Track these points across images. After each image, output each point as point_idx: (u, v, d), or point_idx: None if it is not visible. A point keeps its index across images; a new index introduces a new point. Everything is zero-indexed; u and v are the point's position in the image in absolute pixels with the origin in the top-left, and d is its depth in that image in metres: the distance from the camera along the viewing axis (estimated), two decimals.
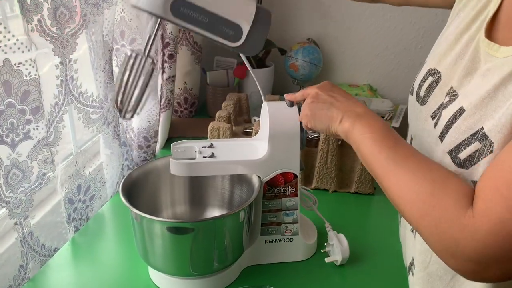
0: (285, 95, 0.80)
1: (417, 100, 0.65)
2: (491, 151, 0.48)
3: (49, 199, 0.93)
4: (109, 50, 0.98)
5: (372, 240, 0.94)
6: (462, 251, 0.45)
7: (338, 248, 0.83)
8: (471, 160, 0.50)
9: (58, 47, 0.82)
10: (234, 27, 0.68)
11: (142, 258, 0.78)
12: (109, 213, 1.02)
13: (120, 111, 0.68)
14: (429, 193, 0.49)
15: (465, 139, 0.51)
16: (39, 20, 0.77)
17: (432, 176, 0.50)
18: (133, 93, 0.68)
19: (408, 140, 0.69)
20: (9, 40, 0.70)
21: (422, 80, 0.65)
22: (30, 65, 0.73)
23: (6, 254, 0.78)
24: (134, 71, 0.66)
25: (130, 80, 0.67)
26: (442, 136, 0.55)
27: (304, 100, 0.74)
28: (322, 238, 0.89)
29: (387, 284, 0.81)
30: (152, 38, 0.68)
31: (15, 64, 0.71)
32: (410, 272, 0.67)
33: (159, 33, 1.16)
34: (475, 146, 0.50)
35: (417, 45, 1.60)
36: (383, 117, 1.51)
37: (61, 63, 0.84)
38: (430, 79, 0.63)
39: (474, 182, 0.50)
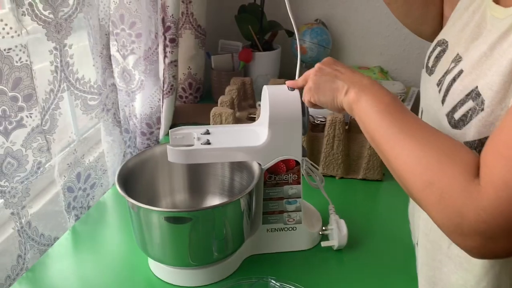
0: (286, 82, 0.76)
1: (426, 71, 0.64)
2: (482, 109, 0.47)
3: (49, 189, 0.92)
4: (106, 35, 0.95)
5: (378, 227, 0.91)
6: (467, 222, 0.42)
7: (336, 233, 0.81)
8: (464, 120, 0.50)
9: (52, 32, 0.80)
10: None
11: (140, 248, 0.76)
12: (111, 201, 1.01)
13: None
14: (435, 159, 0.47)
15: (460, 100, 0.51)
16: (30, 4, 0.74)
17: (439, 144, 0.48)
18: None
19: (419, 113, 0.68)
20: None
21: (431, 51, 0.65)
22: (20, 50, 0.71)
23: (4, 244, 0.77)
24: None
25: None
26: (443, 100, 0.54)
27: (304, 82, 0.72)
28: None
29: (391, 270, 0.78)
30: None
31: (4, 50, 0.69)
32: (417, 245, 0.67)
33: (160, 16, 1.13)
34: (468, 105, 0.49)
35: None
36: None
37: (55, 48, 0.81)
38: (438, 49, 0.63)
39: (466, 143, 0.49)
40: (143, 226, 0.73)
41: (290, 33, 1.58)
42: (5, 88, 0.70)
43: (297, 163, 0.78)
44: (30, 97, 0.75)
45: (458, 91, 0.51)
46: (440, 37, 0.64)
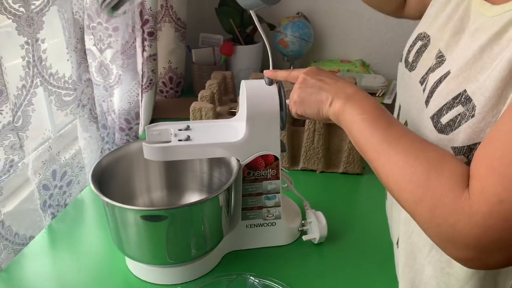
0: (264, 71, 0.75)
1: (406, 66, 0.63)
2: (473, 115, 0.46)
3: (24, 187, 0.90)
4: (80, 29, 0.93)
5: (358, 220, 0.91)
6: (460, 237, 0.42)
7: (316, 226, 0.81)
8: (452, 125, 0.48)
9: (23, 26, 0.77)
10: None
11: (117, 247, 0.75)
12: (89, 198, 0.99)
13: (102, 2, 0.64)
14: (424, 175, 0.45)
15: (447, 103, 0.49)
16: None
17: (426, 156, 0.47)
18: None
19: (396, 109, 0.67)
20: None
21: (411, 45, 0.63)
22: None
23: None
24: None
25: None
26: (427, 101, 0.53)
27: (285, 79, 0.71)
28: None
29: (372, 263, 0.78)
30: None
31: None
32: (397, 245, 0.66)
33: (138, 9, 1.11)
34: (457, 110, 0.48)
35: None
36: (375, 94, 1.47)
37: (27, 42, 0.79)
38: (419, 43, 0.61)
39: (454, 148, 0.49)
40: (119, 225, 0.71)
41: (272, 27, 1.56)
42: None
43: (276, 158, 0.77)
44: (0, 94, 0.72)
45: (444, 94, 0.50)
46: (421, 29, 0.62)
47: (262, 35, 0.75)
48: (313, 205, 0.86)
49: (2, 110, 0.73)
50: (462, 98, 0.47)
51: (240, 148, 0.75)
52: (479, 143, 0.46)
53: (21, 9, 0.76)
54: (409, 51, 0.63)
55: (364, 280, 0.75)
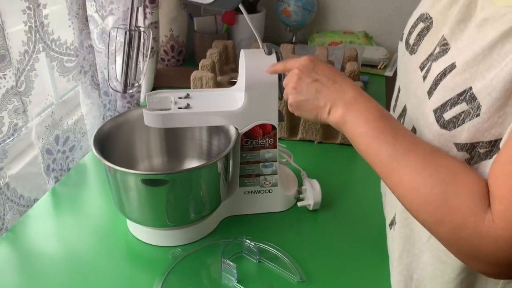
0: (266, 70, 0.73)
1: (406, 48, 0.60)
2: (478, 115, 0.45)
3: (28, 151, 0.92)
4: None
5: (353, 190, 0.94)
6: (484, 257, 0.42)
7: (310, 192, 0.83)
8: (455, 122, 0.47)
9: None
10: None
11: (118, 210, 0.78)
12: (91, 163, 1.01)
13: (125, 87, 0.68)
14: (441, 196, 0.44)
15: (451, 98, 0.47)
16: None
17: (440, 175, 0.46)
18: (130, 66, 0.67)
19: (395, 91, 0.66)
20: None
21: (412, 26, 0.60)
22: None
23: None
24: (126, 48, 0.65)
25: (125, 57, 0.66)
26: (430, 93, 0.51)
27: (283, 72, 0.69)
28: None
29: (364, 231, 0.81)
30: (131, 11, 0.64)
31: None
32: (392, 227, 0.66)
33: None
34: (461, 107, 0.46)
35: None
36: (376, 66, 1.47)
37: (29, 7, 0.79)
38: (421, 25, 0.58)
39: (456, 145, 0.48)
40: (121, 189, 0.74)
41: None
42: None
43: (273, 127, 0.78)
44: (3, 58, 0.73)
45: (448, 89, 0.48)
46: (422, 10, 0.59)
47: (247, 19, 0.75)
48: (310, 174, 0.89)
49: (6, 75, 0.75)
50: (467, 96, 0.45)
51: (239, 117, 0.76)
52: (483, 142, 0.46)
53: None
54: (410, 33, 0.60)
55: (356, 247, 0.78)
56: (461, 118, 0.46)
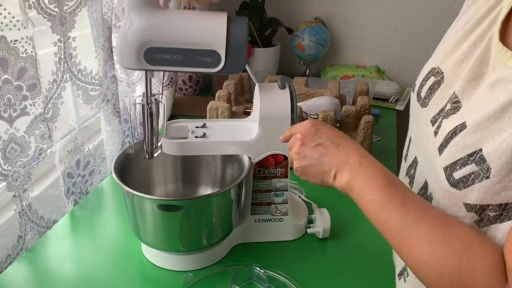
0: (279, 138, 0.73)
1: (418, 100, 0.60)
2: (488, 177, 0.44)
3: (50, 174, 0.96)
4: (108, 28, 0.99)
5: (363, 220, 0.93)
6: None
7: (320, 220, 0.85)
8: (465, 182, 0.47)
9: (57, 25, 0.84)
10: (210, 53, 0.66)
11: (134, 233, 0.81)
12: (109, 188, 1.05)
13: (151, 153, 0.77)
14: (456, 271, 0.44)
15: (461, 158, 0.47)
16: None
17: (454, 246, 0.45)
18: (153, 135, 0.75)
19: (407, 140, 0.66)
20: (5, 17, 0.71)
21: (424, 79, 0.60)
22: (26, 42, 0.75)
23: (5, 225, 0.82)
24: (146, 119, 0.74)
25: (147, 128, 0.74)
26: (441, 149, 0.51)
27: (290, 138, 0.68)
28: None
29: (373, 262, 0.82)
30: (146, 84, 0.71)
31: (11, 41, 0.73)
32: (402, 277, 0.65)
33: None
34: (471, 168, 0.46)
35: (427, 26, 1.57)
36: (388, 100, 1.50)
37: (60, 40, 0.85)
38: (432, 79, 0.58)
39: (466, 205, 0.47)
40: (137, 213, 0.77)
41: (290, 30, 1.61)
42: (10, 78, 0.74)
43: (285, 157, 0.81)
44: (34, 87, 0.79)
45: (459, 148, 0.47)
46: (434, 64, 0.58)
47: (252, 78, 0.79)
48: (320, 204, 0.91)
49: (35, 102, 0.80)
50: (477, 157, 0.45)
51: (252, 147, 0.80)
52: (492, 205, 0.45)
53: (56, 9, 0.82)
54: (421, 85, 0.60)
55: (363, 278, 0.79)
56: (470, 178, 0.46)
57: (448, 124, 0.51)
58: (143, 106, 0.72)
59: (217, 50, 0.66)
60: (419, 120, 0.59)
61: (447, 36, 0.61)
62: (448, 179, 0.49)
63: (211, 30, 0.66)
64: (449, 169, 0.49)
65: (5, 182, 0.78)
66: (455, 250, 0.45)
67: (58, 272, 0.80)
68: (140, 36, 0.65)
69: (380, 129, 1.33)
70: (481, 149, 0.45)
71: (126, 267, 0.81)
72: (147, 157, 0.76)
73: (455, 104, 0.52)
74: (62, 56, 0.87)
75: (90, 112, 1.11)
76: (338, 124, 1.10)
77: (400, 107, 1.48)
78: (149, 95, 0.72)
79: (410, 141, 0.64)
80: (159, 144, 0.79)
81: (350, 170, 0.55)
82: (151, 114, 0.73)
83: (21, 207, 0.82)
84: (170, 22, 0.66)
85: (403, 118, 1.40)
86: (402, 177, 0.66)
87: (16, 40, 0.73)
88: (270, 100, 0.78)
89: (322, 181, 0.60)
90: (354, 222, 0.94)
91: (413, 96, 0.62)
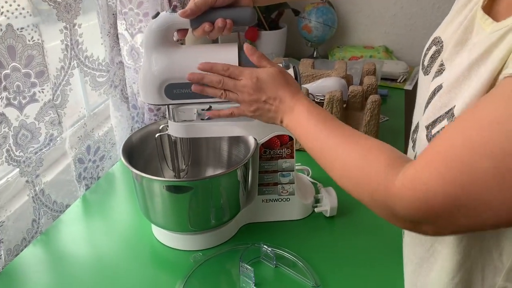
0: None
1: (421, 69, 0.64)
2: None
3: (61, 160, 0.98)
4: (113, 14, 1.00)
5: None
6: (398, 215, 0.48)
7: (327, 199, 0.86)
8: None
9: (62, 12, 0.85)
10: None
11: (144, 215, 0.82)
12: (120, 172, 1.07)
13: (179, 174, 0.86)
14: (359, 168, 0.53)
15: (440, 116, 0.51)
16: None
17: (358, 150, 0.54)
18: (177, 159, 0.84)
19: (415, 110, 0.68)
20: (10, 5, 0.72)
21: (427, 48, 0.63)
22: (32, 30, 0.76)
23: (19, 210, 0.84)
24: (173, 148, 0.83)
25: (174, 153, 0.84)
26: (424, 111, 0.55)
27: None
28: None
29: (380, 238, 0.82)
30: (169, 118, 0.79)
31: (17, 29, 0.74)
32: (403, 234, 0.69)
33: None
34: (443, 123, 0.50)
35: (434, 4, 1.55)
36: (396, 80, 1.49)
37: (65, 27, 0.86)
38: (433, 48, 0.61)
39: None
40: (146, 195, 0.78)
41: (297, 12, 1.60)
42: (18, 65, 0.75)
43: (291, 138, 0.82)
44: (42, 74, 0.80)
45: (437, 107, 0.51)
46: (437, 33, 0.62)
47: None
48: (326, 183, 0.91)
49: (44, 89, 0.81)
50: (450, 114, 0.49)
51: (257, 128, 0.80)
52: None
53: None
54: (425, 54, 0.63)
55: (371, 254, 0.80)
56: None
57: (432, 86, 0.55)
58: (168, 135, 0.81)
59: None
60: (422, 87, 0.62)
61: (452, 8, 0.63)
62: (427, 136, 0.53)
63: (224, 57, 0.71)
64: (430, 127, 0.53)
65: (18, 168, 0.80)
66: (359, 152, 0.54)
67: (72, 254, 0.82)
68: (159, 75, 0.71)
69: (388, 109, 1.32)
70: (454, 106, 0.49)
71: (137, 248, 0.83)
72: (175, 175, 0.86)
73: (440, 67, 0.55)
74: (69, 43, 0.88)
75: (100, 99, 1.13)
76: (345, 105, 1.10)
77: (408, 86, 1.47)
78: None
79: (415, 108, 0.67)
80: (184, 166, 0.87)
81: (286, 117, 0.67)
82: (175, 142, 0.82)
83: (34, 192, 0.84)
84: (186, 59, 0.72)
85: (411, 98, 1.39)
86: (409, 141, 0.69)
87: (22, 28, 0.75)
88: None
89: (272, 123, 0.71)
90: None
91: (420, 66, 0.66)
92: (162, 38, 0.71)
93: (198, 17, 0.68)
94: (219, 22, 0.68)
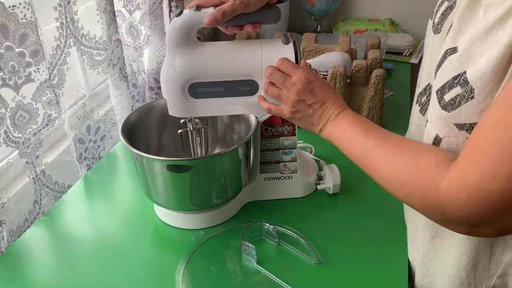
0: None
1: (432, 27, 0.62)
2: (472, 97, 0.48)
3: (62, 140, 0.98)
4: None
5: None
6: (451, 218, 0.48)
7: (329, 176, 0.85)
8: (452, 104, 0.50)
9: None
10: (248, 83, 0.73)
11: (145, 195, 0.82)
12: (121, 152, 1.06)
13: None
14: (406, 175, 0.52)
15: (448, 81, 0.50)
16: None
17: (403, 157, 0.53)
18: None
19: (420, 70, 0.67)
20: None
21: (439, 4, 0.62)
22: (24, 7, 0.74)
23: (20, 191, 0.84)
24: (192, 143, 0.84)
25: (194, 149, 0.84)
26: (435, 74, 0.54)
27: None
28: None
29: (384, 215, 0.82)
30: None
31: (9, 7, 0.72)
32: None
33: None
34: (456, 90, 0.49)
35: None
36: (402, 53, 1.46)
37: (60, 4, 0.84)
38: (445, 4, 0.59)
39: (457, 125, 0.51)
40: (147, 175, 0.78)
41: None
42: (12, 44, 0.74)
43: None
44: (37, 53, 0.79)
45: (446, 71, 0.51)
46: None
47: None
48: (329, 160, 0.90)
49: (39, 69, 0.80)
50: (461, 80, 0.48)
51: (257, 105, 0.78)
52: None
53: None
54: (436, 11, 0.61)
55: (373, 230, 0.79)
56: (457, 100, 0.49)
57: (444, 48, 0.53)
58: (190, 131, 0.82)
59: (254, 79, 0.73)
60: (432, 46, 0.61)
61: None
62: (439, 102, 0.52)
63: (248, 61, 0.72)
64: (440, 92, 0.52)
65: (17, 150, 0.80)
66: (404, 159, 0.53)
67: (75, 234, 0.82)
68: (183, 75, 0.71)
69: (394, 83, 1.29)
70: (465, 72, 0.48)
71: (140, 227, 0.83)
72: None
73: (451, 27, 0.53)
74: (64, 21, 0.86)
75: (100, 78, 1.11)
76: (348, 80, 1.08)
77: (414, 60, 1.44)
78: (194, 123, 0.81)
79: (422, 69, 0.66)
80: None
81: (329, 124, 0.65)
82: (198, 131, 0.83)
83: (35, 173, 0.84)
84: (210, 57, 0.72)
85: (417, 71, 1.36)
86: (413, 104, 0.69)
87: (14, 6, 0.73)
88: (274, 56, 0.76)
89: (309, 130, 0.69)
90: (364, 177, 0.92)
91: (430, 23, 0.64)
92: (185, 36, 0.70)
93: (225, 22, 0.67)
94: (249, 28, 0.68)
